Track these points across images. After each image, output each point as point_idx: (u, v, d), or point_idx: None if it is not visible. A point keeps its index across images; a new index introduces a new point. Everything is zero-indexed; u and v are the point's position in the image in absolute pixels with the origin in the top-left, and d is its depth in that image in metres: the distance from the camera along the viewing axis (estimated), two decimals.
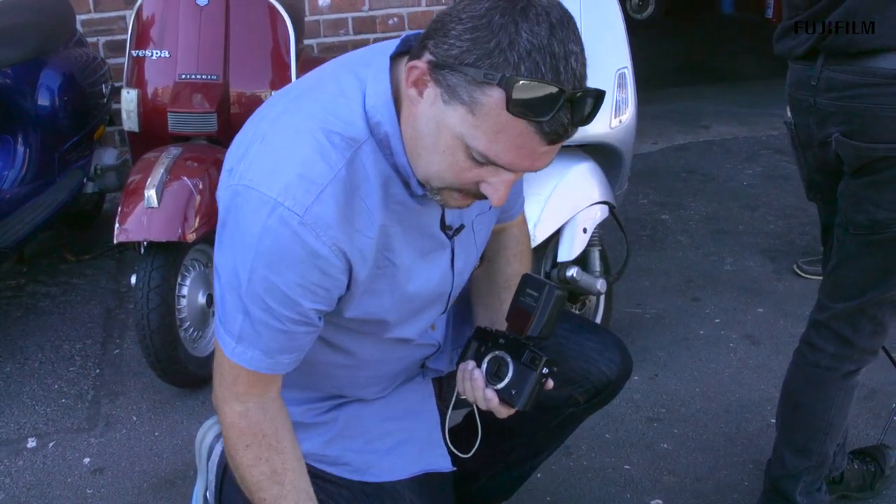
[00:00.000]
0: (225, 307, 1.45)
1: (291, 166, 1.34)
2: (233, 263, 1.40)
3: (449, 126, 1.28)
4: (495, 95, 1.22)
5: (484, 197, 1.37)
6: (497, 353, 1.58)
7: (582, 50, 1.27)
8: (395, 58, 1.41)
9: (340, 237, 1.37)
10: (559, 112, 1.22)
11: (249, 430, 1.51)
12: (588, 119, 1.27)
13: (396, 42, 1.43)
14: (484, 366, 1.60)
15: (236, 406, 1.51)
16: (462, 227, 1.59)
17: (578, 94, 1.23)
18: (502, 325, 1.70)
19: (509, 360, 1.56)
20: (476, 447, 1.63)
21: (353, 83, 1.41)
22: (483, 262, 1.90)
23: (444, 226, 1.55)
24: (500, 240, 1.90)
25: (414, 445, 1.74)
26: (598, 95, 1.27)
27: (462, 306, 1.94)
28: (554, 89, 1.20)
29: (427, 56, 1.28)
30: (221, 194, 1.43)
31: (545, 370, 1.53)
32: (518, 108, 1.20)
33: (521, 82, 1.19)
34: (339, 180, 1.35)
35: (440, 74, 1.26)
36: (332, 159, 1.35)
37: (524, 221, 1.96)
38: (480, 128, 1.25)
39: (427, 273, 1.56)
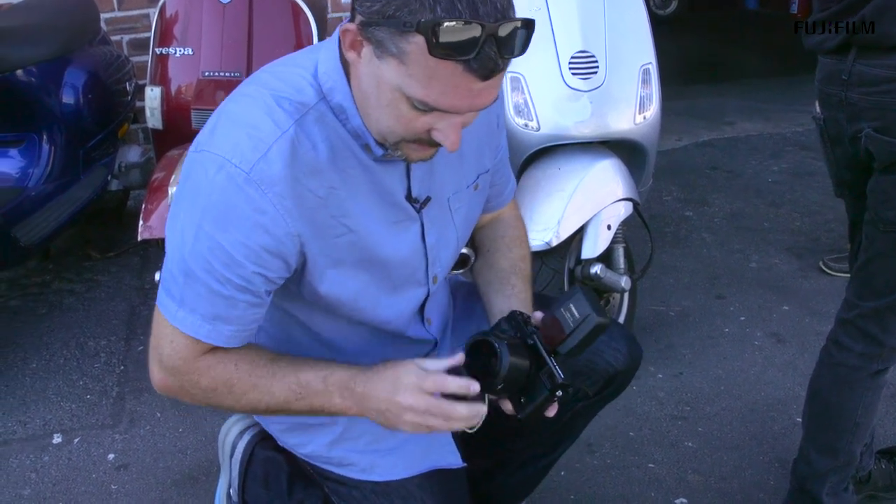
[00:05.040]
0: (170, 271, 1.44)
1: (241, 127, 1.38)
2: (181, 224, 1.41)
3: (386, 80, 1.30)
4: (418, 42, 1.23)
5: (438, 144, 1.38)
6: (529, 354, 1.56)
7: None
8: None
9: (287, 194, 1.38)
10: (484, 48, 1.22)
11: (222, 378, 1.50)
12: (520, 50, 1.26)
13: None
14: None
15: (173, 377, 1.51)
16: (429, 199, 1.58)
17: (501, 27, 1.22)
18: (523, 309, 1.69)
19: (529, 367, 1.54)
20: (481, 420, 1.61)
21: (308, 55, 1.47)
22: (481, 252, 1.90)
23: (410, 198, 1.56)
24: (496, 227, 1.91)
25: (418, 443, 1.73)
26: (527, 24, 1.25)
27: (463, 305, 1.94)
28: (474, 27, 1.20)
29: (357, 17, 1.31)
30: (184, 161, 1.47)
31: (558, 393, 1.51)
32: (440, 50, 1.21)
33: (438, 25, 1.19)
34: (287, 139, 1.38)
35: (369, 32, 1.28)
36: (281, 120, 1.38)
37: (516, 206, 1.97)
38: (413, 76, 1.27)
39: (395, 241, 1.56)
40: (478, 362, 1.51)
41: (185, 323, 1.44)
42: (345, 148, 1.44)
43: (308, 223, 1.42)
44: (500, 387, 1.50)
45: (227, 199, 1.36)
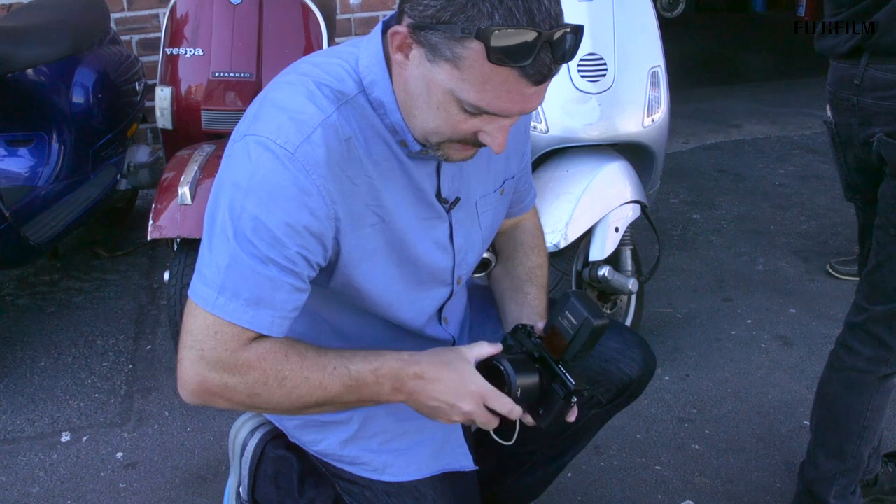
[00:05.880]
0: (209, 257, 1.42)
1: (284, 112, 1.40)
2: (224, 206, 1.40)
3: (438, 83, 1.32)
4: (475, 48, 1.25)
5: (483, 145, 1.40)
6: (537, 369, 1.56)
7: None
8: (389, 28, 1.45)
9: (329, 178, 1.39)
10: (540, 54, 1.25)
11: (260, 367, 1.42)
12: (570, 55, 1.29)
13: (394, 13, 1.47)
14: None
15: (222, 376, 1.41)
16: (458, 199, 1.60)
17: (556, 34, 1.25)
18: (531, 319, 1.71)
19: (544, 379, 1.55)
20: (517, 433, 1.62)
21: (349, 49, 1.49)
22: (500, 259, 1.92)
23: (440, 198, 1.57)
24: (516, 234, 1.93)
25: (431, 445, 1.74)
26: (576, 30, 1.29)
27: (480, 306, 1.94)
28: (531, 33, 1.23)
29: (406, 20, 1.32)
30: (224, 152, 1.47)
31: (573, 399, 1.52)
32: (498, 56, 1.23)
33: (497, 31, 1.22)
34: (330, 125, 1.39)
35: (421, 35, 1.30)
36: (323, 105, 1.40)
37: (536, 214, 1.99)
38: (467, 80, 1.29)
39: (424, 237, 1.58)
40: (490, 382, 1.52)
41: (225, 310, 1.39)
42: (381, 141, 1.46)
43: (347, 210, 1.44)
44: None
45: (272, 179, 1.36)
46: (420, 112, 1.38)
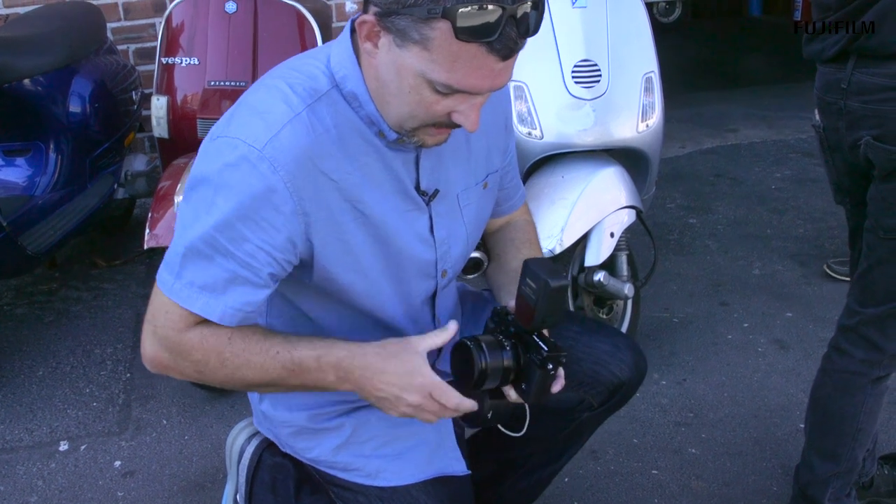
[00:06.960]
0: (175, 247, 1.48)
1: (256, 113, 1.45)
2: (192, 201, 1.46)
3: (408, 67, 1.35)
4: (443, 27, 1.28)
5: (457, 125, 1.43)
6: (508, 344, 1.57)
7: None
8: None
9: (298, 175, 1.42)
10: (505, 29, 1.29)
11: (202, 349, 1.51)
12: (534, 30, 1.33)
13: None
14: None
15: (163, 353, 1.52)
16: (437, 192, 1.62)
17: (518, 9, 1.29)
18: None
19: (519, 353, 1.55)
20: (527, 423, 1.63)
21: (322, 49, 1.55)
22: (493, 256, 1.94)
23: (419, 190, 1.59)
24: (507, 231, 1.94)
25: (424, 449, 1.74)
26: (536, 5, 1.32)
27: (472, 311, 1.95)
28: (495, 9, 1.27)
29: (372, 9, 1.35)
30: (199, 150, 1.51)
31: (549, 366, 1.52)
32: (465, 34, 1.27)
33: (462, 9, 1.25)
34: (301, 121, 1.43)
35: (388, 22, 1.33)
36: (293, 103, 1.44)
37: (528, 211, 2.01)
38: (437, 61, 1.32)
39: (406, 230, 1.60)
40: (463, 365, 1.53)
41: (180, 295, 1.46)
42: (357, 134, 1.49)
43: (319, 206, 1.46)
44: (486, 385, 1.53)
45: (238, 177, 1.40)
46: (393, 98, 1.42)
